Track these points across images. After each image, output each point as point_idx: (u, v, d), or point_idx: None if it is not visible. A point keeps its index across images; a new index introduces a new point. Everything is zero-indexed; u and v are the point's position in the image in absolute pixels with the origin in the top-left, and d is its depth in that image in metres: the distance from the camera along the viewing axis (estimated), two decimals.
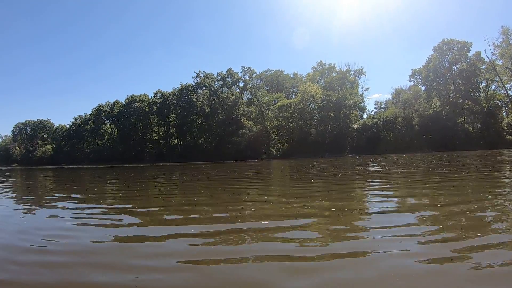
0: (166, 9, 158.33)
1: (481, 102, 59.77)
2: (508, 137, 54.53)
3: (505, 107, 61.72)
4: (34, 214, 6.88)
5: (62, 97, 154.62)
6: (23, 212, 6.95)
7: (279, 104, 61.59)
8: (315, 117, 61.44)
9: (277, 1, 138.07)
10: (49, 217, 6.18)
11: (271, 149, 59.42)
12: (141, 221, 5.51)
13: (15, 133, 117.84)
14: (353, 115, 60.58)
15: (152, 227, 5.12)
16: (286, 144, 59.69)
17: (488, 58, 57.98)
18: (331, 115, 58.94)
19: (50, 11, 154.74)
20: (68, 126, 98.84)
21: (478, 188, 8.19)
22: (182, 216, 5.76)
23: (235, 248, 3.80)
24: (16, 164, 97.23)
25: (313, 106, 61.05)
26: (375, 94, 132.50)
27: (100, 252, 3.74)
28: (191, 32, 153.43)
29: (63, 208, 7.38)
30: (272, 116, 62.29)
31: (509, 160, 19.97)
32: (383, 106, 78.13)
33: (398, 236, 3.83)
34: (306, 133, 59.57)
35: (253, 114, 65.40)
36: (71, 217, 5.93)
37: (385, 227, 4.27)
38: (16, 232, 4.84)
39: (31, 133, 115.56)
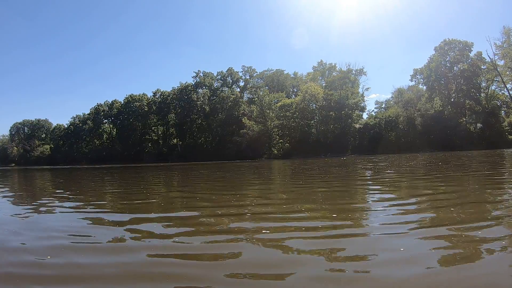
0: (164, 9, 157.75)
1: (483, 102, 59.71)
2: (510, 136, 54.49)
3: (504, 106, 61.61)
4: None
5: (60, 96, 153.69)
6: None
7: (280, 103, 61.20)
8: (317, 117, 61.11)
9: (275, 1, 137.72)
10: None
11: (272, 149, 59.02)
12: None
13: (13, 132, 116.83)
14: (354, 114, 60.33)
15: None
16: (287, 144, 59.28)
17: (490, 58, 58.03)
18: (333, 114, 58.63)
19: (48, 11, 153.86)
20: (66, 126, 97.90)
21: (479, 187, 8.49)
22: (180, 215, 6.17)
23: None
24: (13, 164, 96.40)
25: (314, 105, 60.71)
26: (372, 94, 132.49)
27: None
28: (189, 32, 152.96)
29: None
30: (274, 115, 61.85)
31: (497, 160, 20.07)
32: (383, 106, 78.08)
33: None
34: (307, 132, 59.24)
35: (254, 114, 64.97)
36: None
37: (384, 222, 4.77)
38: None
39: (28, 132, 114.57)
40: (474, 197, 6.59)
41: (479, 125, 58.99)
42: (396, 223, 4.53)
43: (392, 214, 5.20)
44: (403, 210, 5.54)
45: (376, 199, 7.19)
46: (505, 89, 59.42)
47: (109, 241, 4.29)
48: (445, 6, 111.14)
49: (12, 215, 6.55)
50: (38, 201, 9.16)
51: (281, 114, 60.69)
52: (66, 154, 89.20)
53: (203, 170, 21.81)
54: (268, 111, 62.23)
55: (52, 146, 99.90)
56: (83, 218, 6.01)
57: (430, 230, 4.12)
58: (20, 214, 6.67)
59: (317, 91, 58.76)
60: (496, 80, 60.47)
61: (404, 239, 3.78)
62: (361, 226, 4.69)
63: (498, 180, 9.64)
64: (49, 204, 8.22)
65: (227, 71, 76.08)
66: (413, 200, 6.78)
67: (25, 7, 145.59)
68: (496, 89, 62.13)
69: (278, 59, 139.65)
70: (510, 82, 58.49)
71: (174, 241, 4.15)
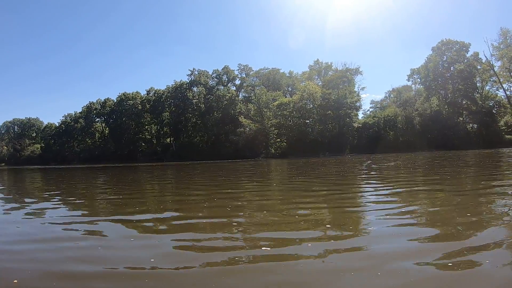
0: (156, 7, 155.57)
1: (479, 102, 59.85)
2: (507, 136, 54.56)
3: (496, 107, 61.63)
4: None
5: (51, 95, 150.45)
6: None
7: (277, 102, 60.48)
8: (314, 116, 60.53)
9: (270, 2, 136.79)
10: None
11: (270, 148, 58.21)
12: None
13: (2, 131, 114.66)
14: (352, 113, 60.06)
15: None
16: (284, 143, 58.54)
17: (487, 59, 58.25)
18: (331, 113, 58.18)
19: (39, 9, 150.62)
20: (57, 125, 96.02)
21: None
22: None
23: None
24: (3, 164, 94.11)
25: (312, 105, 60.16)
26: (364, 94, 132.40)
27: None
28: (182, 30, 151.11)
29: None
30: (271, 114, 61.10)
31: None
32: (378, 105, 78.03)
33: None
34: (305, 132, 58.64)
35: (252, 112, 64.12)
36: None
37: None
38: None
39: (18, 131, 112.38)
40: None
41: (475, 125, 59.07)
42: None
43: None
44: None
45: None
46: (502, 90, 59.71)
47: None
48: (439, 7, 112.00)
49: None
50: None
51: (278, 113, 59.98)
52: (57, 153, 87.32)
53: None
54: (265, 110, 61.45)
55: (43, 145, 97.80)
56: None
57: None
58: None
59: (315, 90, 58.19)
60: (491, 80, 60.81)
61: None
62: None
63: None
64: None
65: (222, 69, 75.08)
66: None
67: (13, 4, 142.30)
68: (491, 90, 62.47)
69: (272, 58, 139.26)
70: (507, 83, 58.83)
71: None
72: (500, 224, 4.53)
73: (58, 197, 10.04)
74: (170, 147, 75.06)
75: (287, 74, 79.70)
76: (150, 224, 5.64)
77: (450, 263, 3.12)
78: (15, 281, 3.01)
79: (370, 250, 3.64)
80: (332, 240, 4.10)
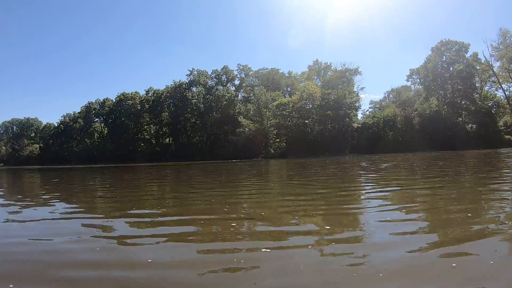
0: (155, 7, 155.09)
1: (478, 103, 59.96)
2: (506, 136, 54.69)
3: (495, 107, 61.73)
4: None
5: (50, 95, 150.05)
6: None
7: (277, 102, 60.40)
8: (314, 116, 60.47)
9: (269, 2, 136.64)
10: None
11: (269, 148, 58.13)
12: None
13: (1, 131, 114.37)
14: (352, 114, 60.06)
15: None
16: (283, 143, 58.46)
17: (486, 59, 58.42)
18: (330, 114, 58.16)
19: (37, 9, 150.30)
20: (56, 125, 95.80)
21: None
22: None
23: None
24: (2, 164, 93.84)
25: (311, 105, 60.11)
26: (363, 94, 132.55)
27: None
28: (181, 30, 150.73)
29: None
30: (270, 114, 61.01)
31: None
32: (377, 106, 78.05)
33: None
34: (304, 132, 58.56)
35: (251, 112, 63.99)
36: None
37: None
38: None
39: (17, 131, 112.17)
40: None
41: (475, 125, 59.15)
42: None
43: None
44: None
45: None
46: (501, 90, 59.96)
47: None
48: (439, 7, 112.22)
49: None
50: None
51: (278, 113, 59.91)
52: (56, 153, 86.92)
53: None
54: (265, 110, 61.37)
55: (42, 145, 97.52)
56: None
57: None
58: None
59: (314, 90, 58.14)
60: (489, 80, 60.99)
61: None
62: None
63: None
64: None
65: (222, 69, 75.03)
66: None
67: (11, 4, 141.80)
68: (490, 90, 62.69)
69: (272, 58, 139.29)
70: (506, 83, 59.01)
71: None
72: (496, 218, 4.83)
73: (56, 198, 9.96)
74: (169, 147, 74.92)
75: (287, 74, 79.62)
76: (149, 222, 5.62)
77: (447, 253, 3.31)
78: (11, 286, 2.92)
79: (370, 245, 3.78)
80: (332, 238, 4.15)
